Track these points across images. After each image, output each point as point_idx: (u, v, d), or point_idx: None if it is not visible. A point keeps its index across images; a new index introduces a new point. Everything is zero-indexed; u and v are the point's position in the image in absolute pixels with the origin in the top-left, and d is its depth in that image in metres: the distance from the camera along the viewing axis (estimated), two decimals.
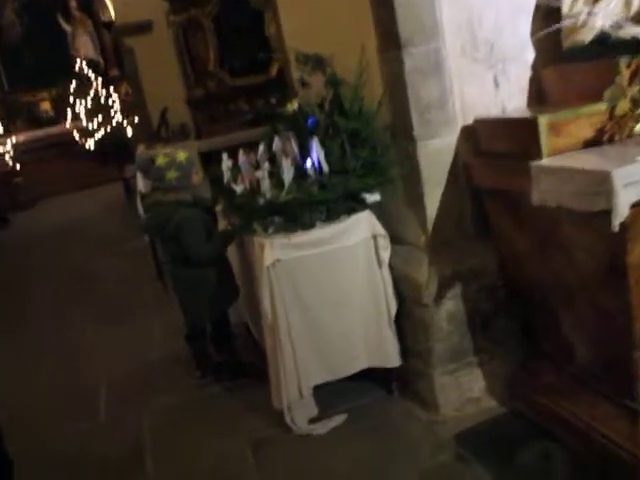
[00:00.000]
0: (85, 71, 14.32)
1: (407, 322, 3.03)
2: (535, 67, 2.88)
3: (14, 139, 13.76)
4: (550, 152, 2.36)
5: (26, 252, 8.46)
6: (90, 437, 3.43)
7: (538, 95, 2.89)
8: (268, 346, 3.03)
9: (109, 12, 11.19)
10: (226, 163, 3.47)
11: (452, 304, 2.85)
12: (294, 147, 3.07)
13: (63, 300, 6.00)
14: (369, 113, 3.00)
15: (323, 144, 2.96)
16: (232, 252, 3.64)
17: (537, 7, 2.79)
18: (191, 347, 3.74)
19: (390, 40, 2.76)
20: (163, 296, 5.08)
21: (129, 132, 12.57)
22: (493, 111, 2.86)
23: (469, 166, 2.83)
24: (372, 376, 3.19)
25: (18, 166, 13.10)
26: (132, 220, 6.67)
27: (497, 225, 2.84)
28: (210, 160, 4.62)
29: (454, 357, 2.91)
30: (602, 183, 2.04)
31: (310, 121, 3.12)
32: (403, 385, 3.15)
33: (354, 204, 2.92)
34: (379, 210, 2.98)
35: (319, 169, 2.95)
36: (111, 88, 14.46)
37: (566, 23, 2.61)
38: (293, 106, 3.21)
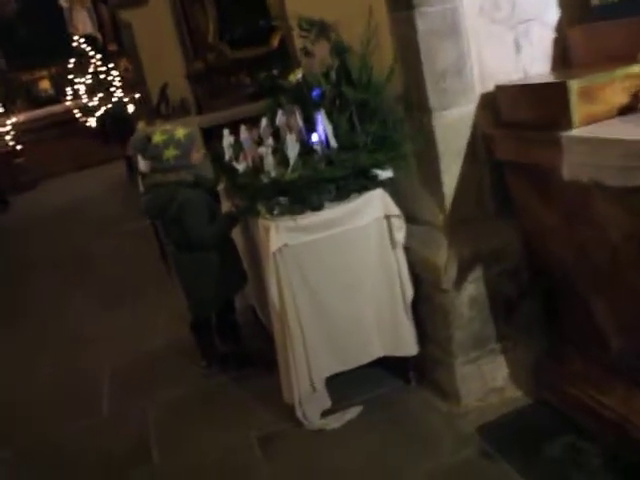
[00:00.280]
0: (84, 47, 14.00)
1: (425, 307, 2.84)
2: (560, 28, 2.64)
3: (14, 119, 13.53)
4: (582, 121, 2.14)
5: (26, 236, 8.29)
6: (93, 432, 3.30)
7: (562, 58, 2.66)
8: (276, 336, 2.85)
9: None
10: (227, 139, 3.27)
11: (473, 288, 2.65)
12: (299, 121, 2.86)
13: (64, 285, 5.83)
14: (379, 82, 2.77)
15: (330, 117, 2.75)
16: (237, 233, 3.44)
17: None
18: (196, 336, 3.57)
19: None
20: (167, 278, 4.90)
21: (130, 108, 12.35)
22: (514, 77, 2.63)
23: (489, 138, 2.61)
24: (387, 365, 3.01)
25: (19, 146, 12.90)
26: (135, 199, 6.49)
27: (520, 202, 2.63)
28: (211, 136, 4.43)
29: (476, 345, 2.72)
30: None
31: (315, 93, 2.90)
32: (421, 374, 2.97)
33: (365, 181, 2.71)
34: (392, 188, 2.77)
35: (326, 144, 2.74)
36: (110, 64, 14.17)
37: None
38: (296, 77, 2.98)
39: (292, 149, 2.74)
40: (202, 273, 3.29)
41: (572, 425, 2.51)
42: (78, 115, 14.18)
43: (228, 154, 3.22)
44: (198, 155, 3.33)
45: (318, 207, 2.66)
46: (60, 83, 15.19)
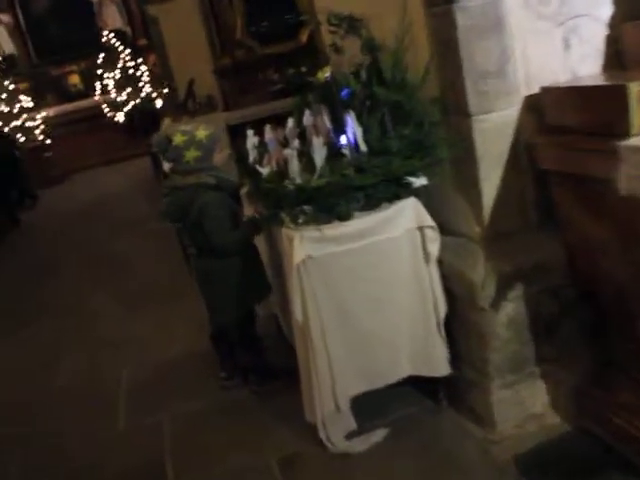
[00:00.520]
0: (113, 42, 14.00)
1: (458, 326, 2.64)
2: (613, 24, 2.43)
3: (44, 113, 13.58)
4: None
5: (52, 234, 8.23)
6: (109, 446, 3.17)
7: (615, 58, 2.44)
8: (299, 352, 2.68)
9: None
10: (251, 140, 3.10)
11: (512, 307, 2.45)
12: (326, 122, 2.68)
13: (87, 285, 5.74)
14: (413, 83, 2.58)
15: (360, 120, 2.57)
16: (260, 239, 3.27)
17: None
18: (215, 347, 3.42)
19: None
20: (190, 282, 4.76)
21: (158, 104, 12.29)
22: (562, 78, 2.43)
23: (533, 145, 2.42)
24: (416, 382, 2.82)
25: (48, 141, 12.94)
26: (159, 197, 6.39)
27: (566, 214, 2.42)
28: (237, 134, 4.26)
29: (513, 368, 2.52)
30: None
31: (344, 92, 2.72)
32: (453, 395, 2.77)
33: (397, 190, 2.51)
34: (426, 197, 2.57)
35: (355, 148, 2.55)
36: (139, 59, 14.15)
37: None
38: (325, 74, 2.79)
39: (319, 153, 2.57)
40: (222, 280, 3.12)
41: (617, 458, 2.30)
42: (106, 110, 14.19)
43: (252, 156, 3.06)
44: (221, 156, 3.17)
45: (346, 217, 2.48)
46: (89, 78, 15.22)
